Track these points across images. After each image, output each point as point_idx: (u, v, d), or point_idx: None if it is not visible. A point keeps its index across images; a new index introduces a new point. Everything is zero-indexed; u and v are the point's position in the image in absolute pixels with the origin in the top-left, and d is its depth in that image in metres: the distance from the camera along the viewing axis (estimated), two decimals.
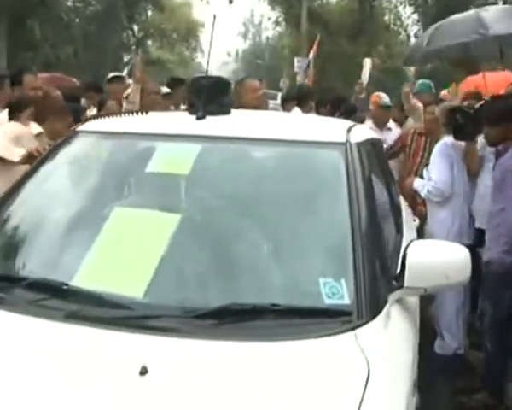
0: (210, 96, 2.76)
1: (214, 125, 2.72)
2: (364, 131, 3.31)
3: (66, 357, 1.81)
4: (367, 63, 8.07)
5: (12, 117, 4.39)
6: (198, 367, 1.77)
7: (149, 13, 36.92)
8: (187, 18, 39.00)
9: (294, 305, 2.02)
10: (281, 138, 2.65)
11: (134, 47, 35.23)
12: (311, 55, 9.43)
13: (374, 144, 3.37)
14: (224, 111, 2.84)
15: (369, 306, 2.02)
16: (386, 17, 32.06)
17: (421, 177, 4.75)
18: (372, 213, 2.44)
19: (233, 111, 2.94)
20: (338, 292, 2.05)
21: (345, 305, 2.03)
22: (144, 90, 5.29)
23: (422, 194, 4.65)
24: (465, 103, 5.20)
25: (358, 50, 24.48)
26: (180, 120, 2.92)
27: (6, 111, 4.54)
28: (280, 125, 3.00)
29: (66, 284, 2.08)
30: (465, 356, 4.58)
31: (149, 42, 38.43)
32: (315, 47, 9.52)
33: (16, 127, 4.27)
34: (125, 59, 34.07)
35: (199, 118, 2.73)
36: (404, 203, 4.31)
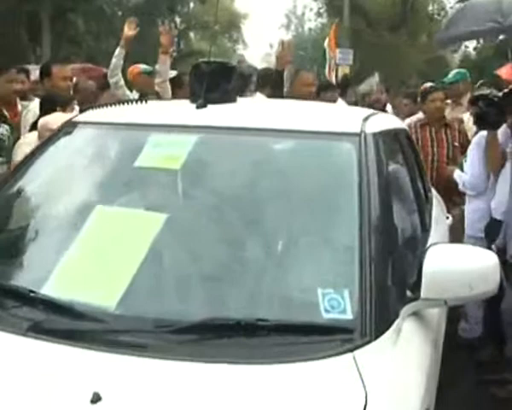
0: (212, 82, 2.51)
1: (215, 114, 2.46)
2: (385, 120, 2.98)
3: (15, 377, 1.57)
4: (375, 77, 7.81)
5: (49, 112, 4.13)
6: (163, 395, 1.50)
7: (191, 5, 36.82)
8: (228, 9, 38.84)
9: (286, 320, 1.74)
10: (287, 129, 2.36)
11: (176, 39, 35.18)
12: (326, 42, 9.00)
13: (397, 134, 3.07)
14: (229, 99, 2.59)
15: (374, 321, 1.73)
16: (430, 7, 31.37)
17: (461, 168, 4.70)
18: (386, 212, 2.14)
19: (239, 99, 2.68)
20: (339, 305, 1.76)
21: (346, 320, 1.73)
22: (181, 83, 5.12)
23: (460, 186, 4.65)
24: None
25: (400, 41, 23.96)
26: (179, 110, 2.67)
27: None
28: (289, 115, 2.70)
29: (34, 292, 1.85)
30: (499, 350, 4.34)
31: (191, 34, 38.34)
32: (330, 36, 9.07)
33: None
34: None
35: (199, 106, 2.48)
36: (437, 200, 3.99)
